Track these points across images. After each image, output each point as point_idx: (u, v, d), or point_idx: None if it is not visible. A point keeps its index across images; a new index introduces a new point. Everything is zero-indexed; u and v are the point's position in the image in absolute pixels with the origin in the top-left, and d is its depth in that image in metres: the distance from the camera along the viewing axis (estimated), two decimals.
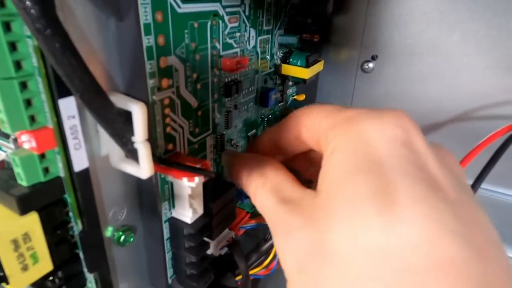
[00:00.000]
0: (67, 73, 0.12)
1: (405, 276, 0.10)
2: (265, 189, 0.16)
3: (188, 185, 0.18)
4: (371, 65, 0.34)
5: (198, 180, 0.18)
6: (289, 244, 0.13)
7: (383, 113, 0.13)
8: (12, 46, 0.12)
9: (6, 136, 0.17)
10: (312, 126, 0.15)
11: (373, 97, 0.34)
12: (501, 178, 0.33)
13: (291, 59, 0.29)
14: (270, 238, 0.27)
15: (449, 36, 0.30)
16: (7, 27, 0.12)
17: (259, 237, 0.29)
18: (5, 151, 0.18)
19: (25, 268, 0.15)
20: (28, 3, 0.10)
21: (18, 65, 0.13)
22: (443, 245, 0.10)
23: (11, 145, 0.17)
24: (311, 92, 0.36)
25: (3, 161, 0.18)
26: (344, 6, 0.33)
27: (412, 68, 0.32)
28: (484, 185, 0.29)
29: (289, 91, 0.34)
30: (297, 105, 0.34)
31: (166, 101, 0.18)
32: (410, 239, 0.10)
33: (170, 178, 0.19)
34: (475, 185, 0.25)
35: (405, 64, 0.32)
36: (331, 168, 0.13)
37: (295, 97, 0.35)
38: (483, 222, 0.11)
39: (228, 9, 0.21)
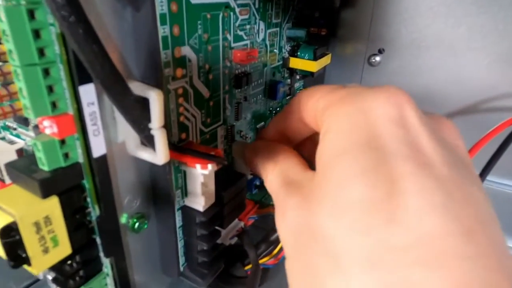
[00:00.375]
0: (89, 59, 0.12)
1: (389, 253, 0.10)
2: (274, 173, 0.16)
3: (201, 173, 0.19)
4: (378, 58, 0.34)
5: (211, 167, 0.18)
6: (283, 223, 0.14)
7: (376, 90, 0.13)
8: (36, 34, 0.13)
9: (26, 124, 0.18)
10: (311, 108, 0.15)
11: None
12: (508, 170, 0.33)
13: (299, 53, 0.30)
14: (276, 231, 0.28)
15: (455, 30, 0.30)
16: (32, 15, 0.12)
17: (268, 228, 0.29)
18: (23, 139, 0.18)
19: (46, 251, 0.15)
20: None
21: (41, 52, 0.13)
22: (427, 220, 0.10)
23: (31, 133, 0.18)
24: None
25: (21, 149, 0.18)
26: (351, 0, 0.33)
27: (419, 61, 0.33)
28: (490, 177, 0.29)
29: (297, 84, 0.34)
30: None
31: (180, 91, 0.18)
32: (395, 217, 0.10)
33: (183, 167, 0.20)
34: (481, 178, 0.25)
35: (411, 58, 0.33)
36: (324, 148, 0.13)
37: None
38: (477, 199, 0.11)
39: (239, 1, 0.21)
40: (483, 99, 0.31)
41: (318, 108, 0.14)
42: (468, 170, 0.12)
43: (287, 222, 0.14)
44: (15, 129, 0.18)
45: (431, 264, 0.09)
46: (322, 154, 0.13)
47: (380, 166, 0.11)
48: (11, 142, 0.18)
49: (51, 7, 0.11)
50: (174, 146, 0.17)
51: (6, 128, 0.19)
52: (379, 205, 0.11)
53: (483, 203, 0.11)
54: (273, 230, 0.28)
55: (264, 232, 0.29)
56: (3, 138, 0.19)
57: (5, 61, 0.14)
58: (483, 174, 0.24)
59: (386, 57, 0.34)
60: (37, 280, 0.27)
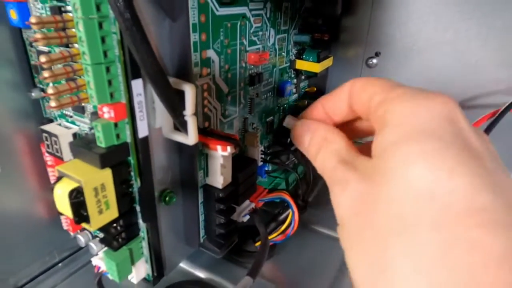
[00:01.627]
0: (143, 58, 0.16)
1: (446, 216, 0.12)
2: (327, 151, 0.17)
3: (221, 155, 0.23)
4: (374, 61, 0.38)
5: (229, 150, 0.22)
6: (346, 193, 0.15)
7: (432, 93, 0.15)
8: (102, 40, 0.17)
9: (82, 112, 0.22)
10: (365, 99, 0.17)
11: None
12: None
13: (304, 55, 0.34)
14: (285, 211, 0.31)
15: (444, 34, 0.34)
16: (100, 26, 0.16)
17: (275, 212, 0.33)
18: (78, 125, 0.22)
19: (100, 212, 0.19)
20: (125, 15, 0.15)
21: (105, 54, 0.17)
22: (479, 196, 0.12)
23: (86, 119, 0.22)
24: (322, 85, 0.40)
25: (75, 134, 0.22)
26: (351, 9, 0.37)
27: (411, 63, 0.36)
28: None
29: (302, 84, 0.38)
30: (309, 97, 0.38)
31: (205, 86, 0.22)
32: (454, 190, 0.12)
33: (205, 150, 0.24)
34: None
35: (405, 60, 0.36)
36: (385, 137, 0.15)
37: (307, 89, 0.39)
38: (509, 183, 0.13)
39: (253, 12, 0.25)
40: (470, 96, 0.35)
41: (373, 102, 0.16)
42: (503, 167, 0.14)
43: (350, 192, 0.15)
44: (71, 116, 0.22)
45: (487, 228, 0.11)
46: (383, 140, 0.14)
47: (443, 151, 0.13)
48: (67, 128, 0.22)
49: (119, 20, 0.15)
50: (201, 130, 0.21)
51: (63, 116, 0.23)
52: (443, 179, 0.12)
53: (509, 180, 0.14)
54: (280, 212, 0.32)
55: (272, 216, 0.32)
56: (59, 124, 0.23)
57: (75, 62, 0.18)
58: None
59: (382, 60, 0.38)
60: (75, 251, 0.31)
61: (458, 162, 0.12)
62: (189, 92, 0.19)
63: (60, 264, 0.30)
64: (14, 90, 0.24)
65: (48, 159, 0.25)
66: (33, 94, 0.24)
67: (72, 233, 0.27)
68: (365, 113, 0.17)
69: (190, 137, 0.20)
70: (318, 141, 0.18)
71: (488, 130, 0.27)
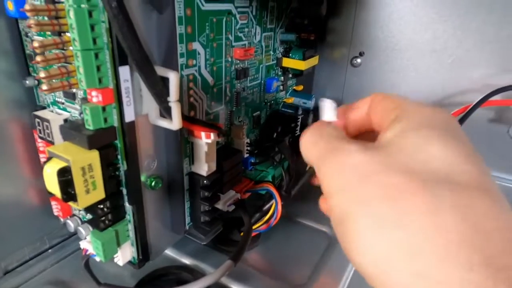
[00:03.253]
0: (129, 46, 0.17)
1: (462, 192, 0.13)
2: (330, 138, 0.18)
3: (205, 142, 0.24)
4: (359, 60, 0.39)
5: (213, 137, 0.23)
6: (347, 159, 0.15)
7: (437, 108, 0.17)
8: (92, 28, 0.18)
9: (73, 99, 0.23)
10: (382, 108, 0.18)
11: (361, 87, 0.40)
12: None
13: (290, 54, 0.35)
14: (268, 202, 0.32)
15: (422, 35, 0.35)
16: (90, 14, 0.18)
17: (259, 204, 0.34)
18: (69, 112, 0.24)
19: (87, 191, 0.20)
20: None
21: (94, 41, 0.18)
22: (486, 178, 0.14)
23: (77, 106, 0.23)
24: (308, 84, 0.41)
25: (66, 119, 0.24)
26: (336, 10, 0.38)
27: (393, 62, 0.38)
28: None
29: (290, 82, 0.39)
30: (296, 94, 0.40)
31: (191, 77, 0.23)
32: (467, 170, 0.14)
33: (191, 138, 0.25)
34: None
35: (387, 59, 0.38)
36: (398, 125, 0.16)
37: (294, 87, 0.40)
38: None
39: (239, 9, 0.27)
40: (447, 94, 0.36)
41: (387, 111, 0.18)
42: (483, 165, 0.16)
43: (354, 158, 0.15)
44: (63, 103, 0.23)
45: (477, 191, 0.13)
46: (397, 128, 0.16)
47: (457, 139, 0.15)
48: (59, 114, 0.23)
49: (106, 8, 0.16)
50: (185, 117, 0.22)
51: (55, 103, 0.24)
52: (460, 162, 0.14)
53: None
54: (264, 203, 0.33)
55: (257, 207, 0.34)
56: (51, 111, 0.24)
57: (66, 49, 0.19)
58: None
59: (366, 59, 0.39)
60: (66, 239, 0.32)
61: (471, 151, 0.14)
62: (173, 79, 0.20)
63: (50, 250, 0.31)
64: (9, 79, 0.25)
65: (41, 145, 0.26)
66: (27, 82, 0.25)
67: (62, 219, 0.28)
68: (379, 119, 0.18)
69: (174, 123, 0.21)
70: (315, 134, 0.19)
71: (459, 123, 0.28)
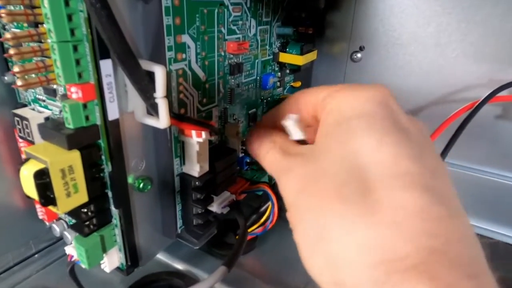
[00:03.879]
0: (109, 37, 0.16)
1: (375, 182, 0.13)
2: (274, 150, 0.19)
3: (196, 141, 0.22)
4: (359, 55, 0.38)
5: (204, 135, 0.22)
6: (290, 177, 0.16)
7: (370, 85, 0.17)
8: (69, 18, 0.16)
9: (54, 96, 0.21)
10: (312, 100, 0.19)
11: (361, 83, 0.38)
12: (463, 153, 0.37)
13: (288, 48, 0.33)
14: (265, 204, 0.31)
15: (425, 28, 0.34)
16: (67, 3, 0.16)
17: (256, 205, 0.33)
18: (50, 109, 0.22)
19: (68, 195, 0.19)
20: None
21: (72, 32, 0.17)
22: (403, 162, 0.14)
23: (57, 103, 0.21)
24: (307, 80, 0.40)
25: (48, 117, 0.22)
26: (334, 3, 0.37)
27: (395, 57, 0.36)
28: (448, 159, 0.32)
29: (287, 78, 0.38)
30: (294, 91, 0.38)
31: (180, 72, 0.22)
32: (380, 158, 0.14)
33: (182, 137, 0.23)
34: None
35: (388, 54, 0.36)
36: (325, 124, 0.16)
37: (292, 84, 0.39)
38: (436, 157, 0.15)
39: (232, 0, 0.25)
40: (450, 90, 0.35)
41: (318, 99, 0.18)
42: (430, 142, 0.16)
43: (294, 175, 0.16)
44: (44, 101, 0.22)
45: (409, 189, 0.13)
46: (323, 128, 0.16)
47: (373, 126, 0.15)
48: (40, 113, 0.22)
49: None
50: (174, 114, 0.20)
51: (36, 100, 0.22)
52: (373, 150, 0.14)
53: (439, 159, 0.15)
54: (260, 206, 0.32)
55: (253, 209, 0.32)
56: (32, 109, 0.22)
57: (43, 41, 0.18)
58: (442, 155, 0.27)
59: (366, 54, 0.38)
60: (53, 243, 0.31)
61: (385, 134, 0.14)
62: (160, 73, 0.18)
63: (36, 255, 0.30)
64: None
65: (22, 145, 0.24)
66: (6, 78, 0.23)
67: (47, 223, 0.27)
68: (313, 112, 0.19)
69: (162, 120, 0.19)
70: (267, 143, 0.20)
71: (465, 122, 0.27)
